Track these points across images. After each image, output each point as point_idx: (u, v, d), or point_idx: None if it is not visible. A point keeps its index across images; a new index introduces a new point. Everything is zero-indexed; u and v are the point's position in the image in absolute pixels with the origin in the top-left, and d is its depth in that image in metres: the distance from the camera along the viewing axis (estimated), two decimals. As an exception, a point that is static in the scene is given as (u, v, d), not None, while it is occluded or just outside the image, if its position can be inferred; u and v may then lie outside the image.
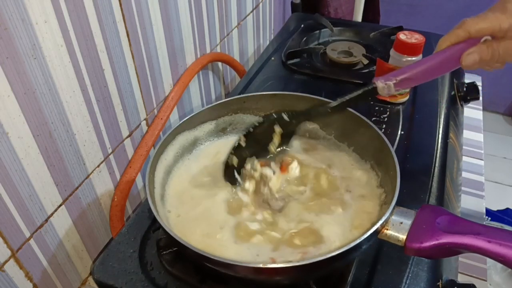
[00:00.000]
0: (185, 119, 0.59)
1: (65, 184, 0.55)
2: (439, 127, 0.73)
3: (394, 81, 0.52)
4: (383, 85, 0.52)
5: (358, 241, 0.41)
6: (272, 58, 0.93)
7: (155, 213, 0.45)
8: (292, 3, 1.25)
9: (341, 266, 0.49)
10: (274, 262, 0.46)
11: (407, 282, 0.49)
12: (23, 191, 0.49)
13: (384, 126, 0.72)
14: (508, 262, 0.39)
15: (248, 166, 0.56)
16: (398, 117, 0.75)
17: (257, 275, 0.44)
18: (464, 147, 0.89)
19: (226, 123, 0.65)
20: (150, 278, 0.50)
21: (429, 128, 0.73)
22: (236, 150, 0.58)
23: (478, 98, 0.89)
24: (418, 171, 0.64)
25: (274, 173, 0.55)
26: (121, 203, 0.65)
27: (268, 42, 1.15)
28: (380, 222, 0.43)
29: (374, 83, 0.53)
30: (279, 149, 0.60)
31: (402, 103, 0.78)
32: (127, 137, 0.67)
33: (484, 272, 0.67)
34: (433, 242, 0.41)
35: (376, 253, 0.52)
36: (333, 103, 0.56)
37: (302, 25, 1.04)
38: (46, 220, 0.54)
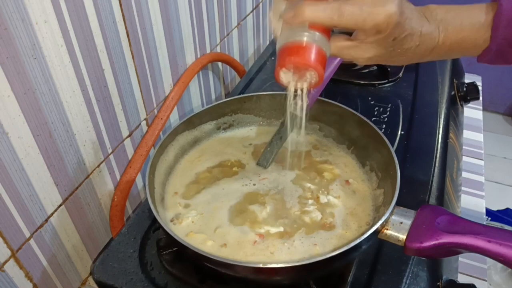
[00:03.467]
0: (185, 119, 0.59)
1: (65, 184, 0.55)
2: (439, 127, 0.73)
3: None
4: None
5: (358, 241, 0.41)
6: (272, 58, 0.93)
7: (155, 213, 0.45)
8: (292, 3, 1.25)
9: (341, 266, 0.49)
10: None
11: (407, 282, 0.49)
12: (23, 191, 0.49)
13: (384, 126, 0.72)
14: (508, 262, 0.39)
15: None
16: (398, 117, 0.75)
17: (257, 275, 0.44)
18: (464, 147, 0.89)
19: (226, 123, 0.65)
20: (150, 278, 0.50)
21: (429, 128, 0.73)
22: None
23: (478, 98, 0.89)
24: (418, 171, 0.64)
25: None
26: (121, 203, 0.65)
27: (268, 42, 1.15)
28: (380, 222, 0.43)
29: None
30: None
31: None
32: (127, 137, 0.67)
33: (484, 272, 0.67)
34: (433, 242, 0.41)
35: (376, 253, 0.52)
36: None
37: (302, 25, 1.04)
38: (46, 220, 0.54)
